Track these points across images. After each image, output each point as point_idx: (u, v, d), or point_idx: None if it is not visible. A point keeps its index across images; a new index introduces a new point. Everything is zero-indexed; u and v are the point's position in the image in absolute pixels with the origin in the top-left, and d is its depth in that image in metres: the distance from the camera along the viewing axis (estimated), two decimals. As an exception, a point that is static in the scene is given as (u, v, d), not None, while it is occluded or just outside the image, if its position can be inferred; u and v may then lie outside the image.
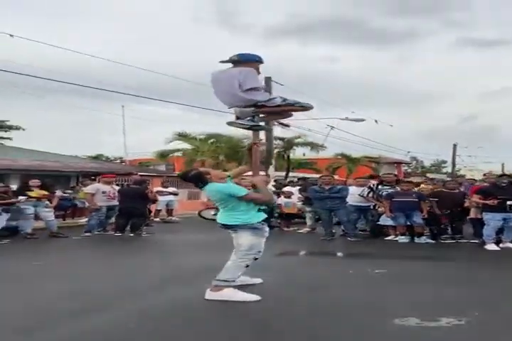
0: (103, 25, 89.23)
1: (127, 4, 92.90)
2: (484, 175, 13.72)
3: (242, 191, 5.29)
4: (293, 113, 6.22)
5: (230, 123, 5.94)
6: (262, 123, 6.00)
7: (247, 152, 6.27)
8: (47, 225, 11.42)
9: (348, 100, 73.17)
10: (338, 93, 77.24)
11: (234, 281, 5.23)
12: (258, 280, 5.83)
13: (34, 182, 11.36)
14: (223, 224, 5.40)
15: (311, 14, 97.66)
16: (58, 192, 13.45)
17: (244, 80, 5.50)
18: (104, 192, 12.01)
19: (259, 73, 5.72)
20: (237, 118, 5.85)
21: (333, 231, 11.15)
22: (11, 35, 14.14)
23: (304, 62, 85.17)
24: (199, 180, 5.38)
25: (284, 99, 5.78)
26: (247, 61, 5.67)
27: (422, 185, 11.94)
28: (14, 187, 12.33)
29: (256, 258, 5.36)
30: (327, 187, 11.08)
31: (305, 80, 69.29)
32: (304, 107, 5.89)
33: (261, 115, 5.92)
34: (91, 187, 12.39)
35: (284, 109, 5.93)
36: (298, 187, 13.82)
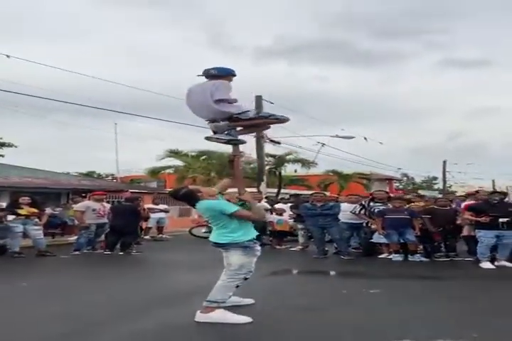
0: (95, 46, 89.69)
1: (118, 26, 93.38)
2: (467, 194, 13.62)
3: (233, 208, 5.19)
4: (270, 126, 6.17)
5: (207, 138, 5.85)
6: (240, 137, 5.89)
7: (228, 164, 6.17)
8: (35, 243, 11.18)
9: (338, 118, 73.77)
10: (327, 111, 77.85)
11: (224, 302, 5.11)
12: (249, 301, 5.69)
13: (24, 199, 11.16)
14: (215, 243, 5.29)
15: (299, 36, 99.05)
16: (48, 210, 13.28)
17: (215, 91, 5.50)
18: (94, 210, 11.86)
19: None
20: (214, 132, 5.78)
21: (326, 249, 11.05)
22: (7, 56, 14.16)
23: (293, 82, 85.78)
24: (190, 198, 5.31)
25: (258, 112, 5.82)
26: (223, 74, 5.71)
27: (414, 202, 11.88)
28: (4, 204, 12.17)
29: (246, 278, 5.25)
30: (319, 204, 11.00)
31: (294, 99, 69.72)
32: (279, 120, 5.85)
33: (238, 129, 5.85)
34: (81, 205, 12.23)
35: (259, 122, 5.88)
36: (290, 204, 13.74)
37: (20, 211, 10.95)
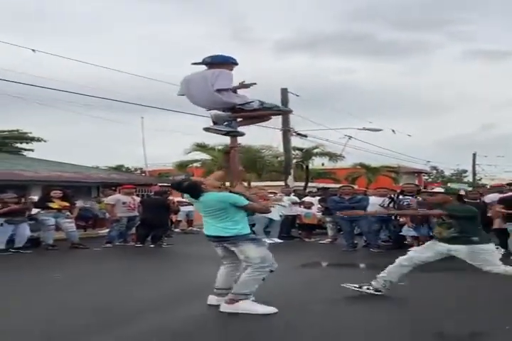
0: (119, 40, 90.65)
1: (143, 22, 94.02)
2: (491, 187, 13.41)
3: (245, 200, 5.13)
4: (271, 117, 6.09)
5: (206, 129, 5.73)
6: (239, 129, 5.79)
7: (223, 156, 6.01)
8: (68, 236, 11.44)
9: (365, 111, 73.03)
10: (353, 104, 77.05)
11: (251, 294, 5.09)
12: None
13: (56, 193, 11.42)
14: (218, 236, 5.15)
15: (320, 28, 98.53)
16: (79, 203, 13.52)
17: (216, 80, 5.38)
18: (124, 203, 12.03)
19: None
20: (214, 123, 5.67)
21: (355, 242, 11.05)
22: (33, 50, 14.36)
23: (316, 74, 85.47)
24: (196, 190, 5.15)
25: (262, 103, 5.65)
26: (221, 63, 5.57)
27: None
28: (36, 197, 12.45)
29: (272, 271, 5.16)
30: (347, 197, 11.00)
31: (318, 92, 69.49)
32: (283, 111, 5.76)
33: (238, 120, 5.73)
34: (111, 198, 12.44)
35: (262, 113, 5.78)
36: (318, 198, 13.77)
37: (51, 204, 11.18)
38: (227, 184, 5.72)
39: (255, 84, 5.61)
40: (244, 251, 5.08)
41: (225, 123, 5.61)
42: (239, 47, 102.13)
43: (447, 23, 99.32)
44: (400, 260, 5.89)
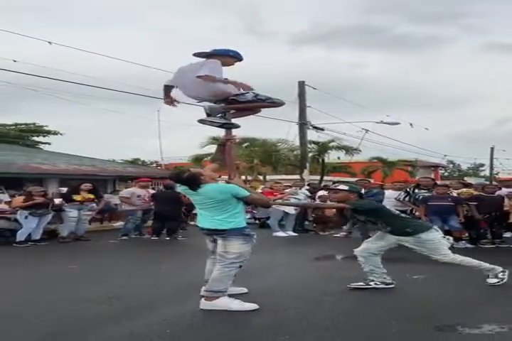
0: (136, 35, 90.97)
1: (157, 15, 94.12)
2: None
3: (247, 192, 5.07)
4: (262, 110, 5.94)
5: (200, 121, 5.60)
6: (234, 121, 5.67)
7: (218, 148, 5.83)
8: (76, 227, 11.42)
9: (381, 104, 72.72)
10: (369, 97, 76.74)
11: (227, 291, 4.98)
12: (244, 290, 5.50)
13: (86, 186, 11.54)
14: (213, 229, 5.03)
15: (334, 22, 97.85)
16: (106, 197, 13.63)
17: (201, 68, 5.27)
18: (139, 196, 12.12)
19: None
20: (208, 115, 5.55)
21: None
22: (49, 43, 14.45)
23: (332, 68, 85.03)
24: (194, 182, 5.05)
25: (256, 95, 5.52)
26: (220, 55, 5.46)
27: (464, 189, 11.69)
28: (64, 189, 12.75)
29: (240, 266, 5.02)
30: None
31: (333, 85, 69.09)
32: (276, 103, 5.62)
33: (231, 111, 5.62)
34: (126, 191, 12.58)
35: (256, 105, 5.66)
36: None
37: (75, 197, 11.32)
38: (226, 177, 5.61)
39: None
40: (227, 246, 4.97)
41: (219, 115, 5.51)
42: (253, 41, 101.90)
43: (461, 16, 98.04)
44: (360, 253, 6.05)
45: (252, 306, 4.86)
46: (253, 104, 5.60)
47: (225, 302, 4.87)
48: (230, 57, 5.55)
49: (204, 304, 4.92)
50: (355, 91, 78.98)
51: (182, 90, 5.60)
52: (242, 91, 5.51)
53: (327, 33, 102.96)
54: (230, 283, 5.01)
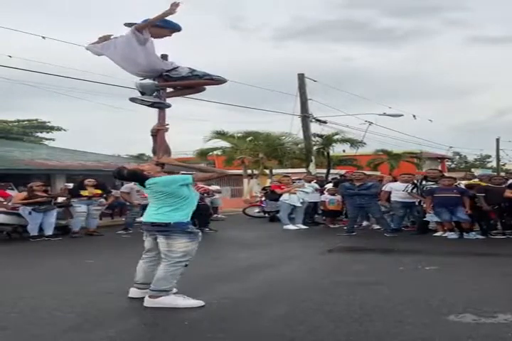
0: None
1: (144, 10, 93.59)
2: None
3: (190, 176, 4.95)
4: (205, 88, 5.58)
5: (132, 99, 5.35)
6: (166, 101, 5.35)
7: (153, 139, 5.44)
8: (87, 222, 11.54)
9: (379, 97, 72.21)
10: (365, 90, 76.22)
11: (172, 290, 4.88)
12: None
13: (90, 181, 11.64)
14: (156, 224, 4.85)
15: (317, 16, 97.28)
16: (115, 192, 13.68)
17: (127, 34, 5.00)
18: (138, 191, 12.03)
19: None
20: (142, 94, 5.32)
21: (354, 226, 11.23)
22: (43, 37, 14.26)
23: (322, 61, 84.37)
24: (138, 177, 4.99)
25: (192, 70, 5.27)
26: (153, 25, 5.08)
27: (471, 181, 11.72)
28: (71, 185, 12.89)
29: (186, 265, 4.90)
30: (357, 184, 11.01)
31: (329, 78, 68.56)
32: (215, 80, 5.33)
33: (169, 90, 5.39)
34: (125, 187, 12.59)
35: (193, 83, 5.38)
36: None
37: (82, 192, 11.42)
38: (154, 157, 5.35)
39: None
40: (171, 244, 4.81)
41: (154, 94, 5.27)
42: (235, 36, 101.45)
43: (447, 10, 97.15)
44: None
45: (198, 303, 4.77)
46: (190, 82, 5.34)
47: (170, 300, 4.77)
48: (162, 27, 5.21)
49: (148, 302, 4.80)
50: (350, 85, 78.53)
51: (118, 64, 5.34)
52: (174, 65, 5.29)
53: (307, 27, 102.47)
54: (174, 282, 4.89)
